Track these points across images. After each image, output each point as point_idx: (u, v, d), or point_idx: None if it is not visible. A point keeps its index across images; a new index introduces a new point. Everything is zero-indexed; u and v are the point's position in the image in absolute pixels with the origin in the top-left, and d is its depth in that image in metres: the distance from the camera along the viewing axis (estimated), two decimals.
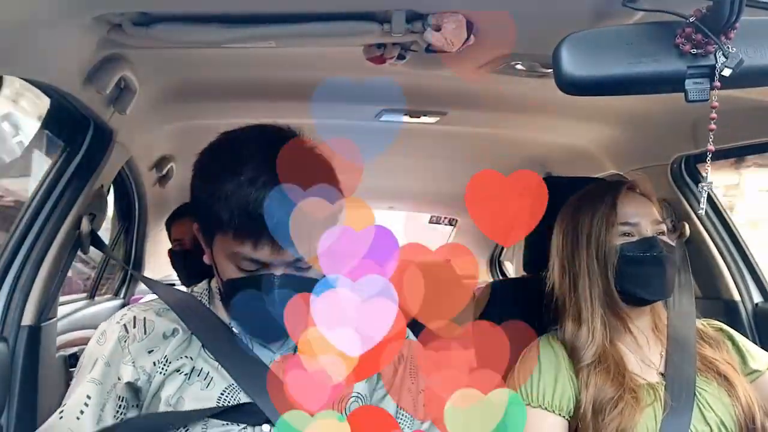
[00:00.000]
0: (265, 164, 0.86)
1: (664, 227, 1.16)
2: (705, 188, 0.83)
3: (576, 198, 1.24)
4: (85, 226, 1.38)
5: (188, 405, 0.90)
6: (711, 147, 0.79)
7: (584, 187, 1.28)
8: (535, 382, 1.13)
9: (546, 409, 1.10)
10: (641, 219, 1.15)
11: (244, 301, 0.92)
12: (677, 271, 1.23)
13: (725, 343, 1.21)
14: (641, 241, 1.13)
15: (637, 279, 1.12)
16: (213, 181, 0.89)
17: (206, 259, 0.97)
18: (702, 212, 0.80)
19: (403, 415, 0.99)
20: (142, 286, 2.40)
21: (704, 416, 1.09)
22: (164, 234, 2.26)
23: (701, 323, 1.25)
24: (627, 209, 1.15)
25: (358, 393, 0.97)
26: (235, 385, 0.92)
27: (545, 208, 1.49)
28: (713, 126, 0.77)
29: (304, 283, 0.91)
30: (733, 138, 1.49)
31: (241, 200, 0.84)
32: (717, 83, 0.75)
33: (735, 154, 1.64)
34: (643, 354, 1.17)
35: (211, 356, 0.94)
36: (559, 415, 1.10)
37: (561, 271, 1.19)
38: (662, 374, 1.14)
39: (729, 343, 1.22)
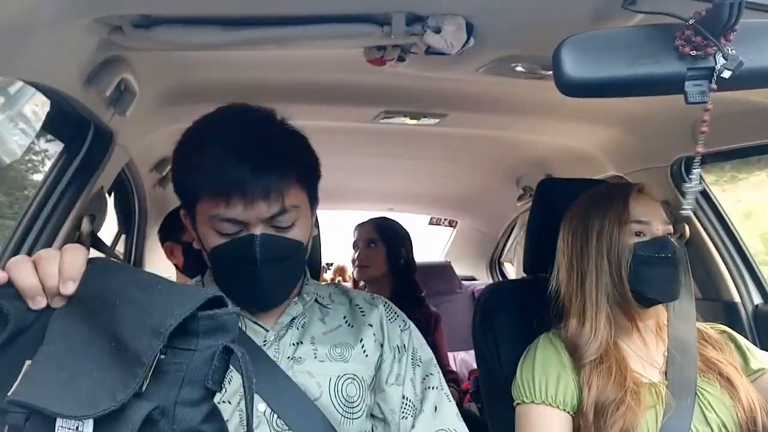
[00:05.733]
0: (228, 131, 0.92)
1: (671, 228, 1.17)
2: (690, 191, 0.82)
3: (585, 197, 1.24)
4: (85, 227, 1.38)
5: None
6: (700, 149, 0.79)
7: (585, 189, 1.28)
8: (538, 378, 1.14)
9: (550, 404, 1.11)
10: (652, 218, 1.15)
11: (229, 268, 0.93)
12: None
13: (728, 345, 1.21)
14: (654, 240, 1.14)
15: (649, 280, 1.13)
16: (184, 157, 0.95)
17: (195, 244, 0.98)
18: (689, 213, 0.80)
19: (407, 402, 1.00)
20: None
21: (705, 417, 1.09)
22: None
23: (704, 326, 1.26)
24: (638, 208, 1.16)
25: (354, 374, 0.97)
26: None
27: (546, 209, 1.50)
28: (705, 129, 0.78)
29: (285, 244, 0.92)
30: (733, 139, 1.49)
31: (208, 164, 0.89)
32: (714, 86, 0.75)
33: (735, 156, 1.64)
34: (648, 353, 1.18)
35: None
36: (564, 410, 1.11)
37: (569, 269, 1.19)
38: (665, 374, 1.15)
39: (732, 345, 1.22)
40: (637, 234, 1.14)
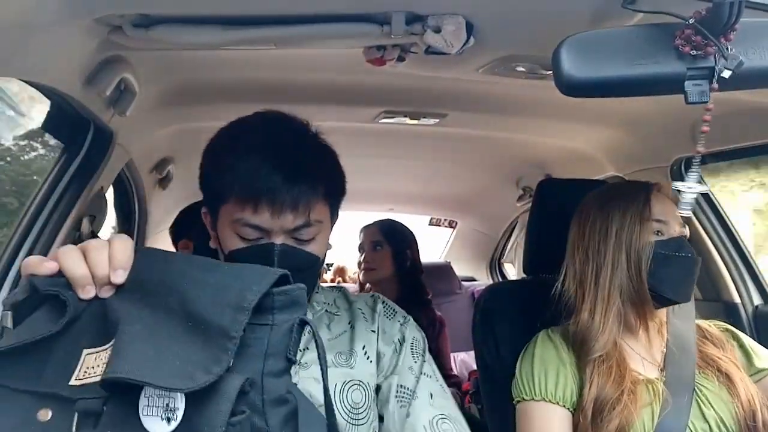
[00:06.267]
0: (264, 138, 0.92)
1: (685, 231, 1.17)
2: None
3: (599, 193, 1.23)
4: (85, 227, 1.37)
5: None
6: (701, 149, 0.79)
7: (585, 189, 1.28)
8: (537, 375, 1.14)
9: (550, 401, 1.11)
10: (670, 218, 1.15)
11: None
12: None
13: (730, 343, 1.21)
14: (673, 240, 1.13)
15: (666, 279, 1.12)
16: (217, 157, 0.95)
17: (212, 243, 0.99)
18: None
19: (404, 390, 0.98)
20: None
21: (703, 413, 1.10)
22: (163, 236, 2.25)
23: (707, 323, 1.26)
24: (658, 207, 1.16)
25: (359, 380, 0.97)
26: None
27: (546, 210, 1.50)
28: (706, 128, 0.78)
29: (303, 257, 0.92)
30: (733, 140, 1.49)
31: (241, 167, 0.89)
32: (715, 85, 0.75)
33: (735, 156, 1.64)
34: (649, 351, 1.18)
35: None
36: (564, 406, 1.11)
37: (584, 262, 1.18)
38: (662, 371, 1.15)
39: (735, 344, 1.22)
40: (656, 233, 1.14)
